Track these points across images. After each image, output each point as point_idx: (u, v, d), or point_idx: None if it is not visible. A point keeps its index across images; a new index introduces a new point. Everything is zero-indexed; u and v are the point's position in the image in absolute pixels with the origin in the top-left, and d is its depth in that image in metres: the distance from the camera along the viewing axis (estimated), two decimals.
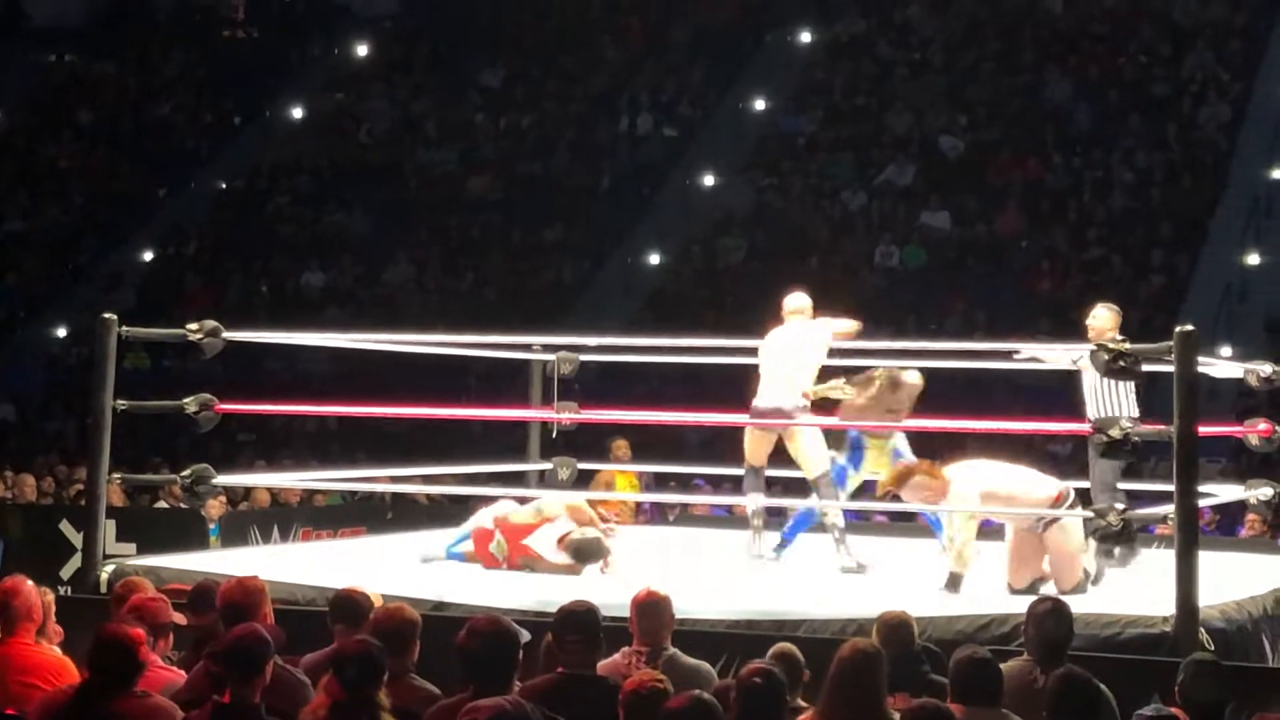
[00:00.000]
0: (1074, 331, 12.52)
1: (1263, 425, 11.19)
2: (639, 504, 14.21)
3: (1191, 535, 7.98)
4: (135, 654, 6.07)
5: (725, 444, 20.00)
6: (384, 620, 6.58)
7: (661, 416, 13.60)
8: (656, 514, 15.25)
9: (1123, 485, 10.43)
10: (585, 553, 9.76)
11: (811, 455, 10.40)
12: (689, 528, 13.88)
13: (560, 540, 9.78)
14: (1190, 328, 8.33)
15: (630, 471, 13.50)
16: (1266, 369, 11.03)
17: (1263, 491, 11.38)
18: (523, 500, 10.37)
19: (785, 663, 6.38)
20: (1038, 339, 10.54)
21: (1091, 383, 10.29)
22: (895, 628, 6.98)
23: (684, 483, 16.25)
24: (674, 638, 7.05)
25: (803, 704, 6.19)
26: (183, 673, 6.80)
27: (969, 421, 10.77)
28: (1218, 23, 27.55)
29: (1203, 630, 7.78)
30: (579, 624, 6.57)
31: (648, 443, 14.53)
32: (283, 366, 24.12)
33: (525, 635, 6.56)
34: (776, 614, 8.25)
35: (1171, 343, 8.14)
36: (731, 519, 14.82)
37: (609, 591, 7.93)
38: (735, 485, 16.64)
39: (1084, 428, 9.43)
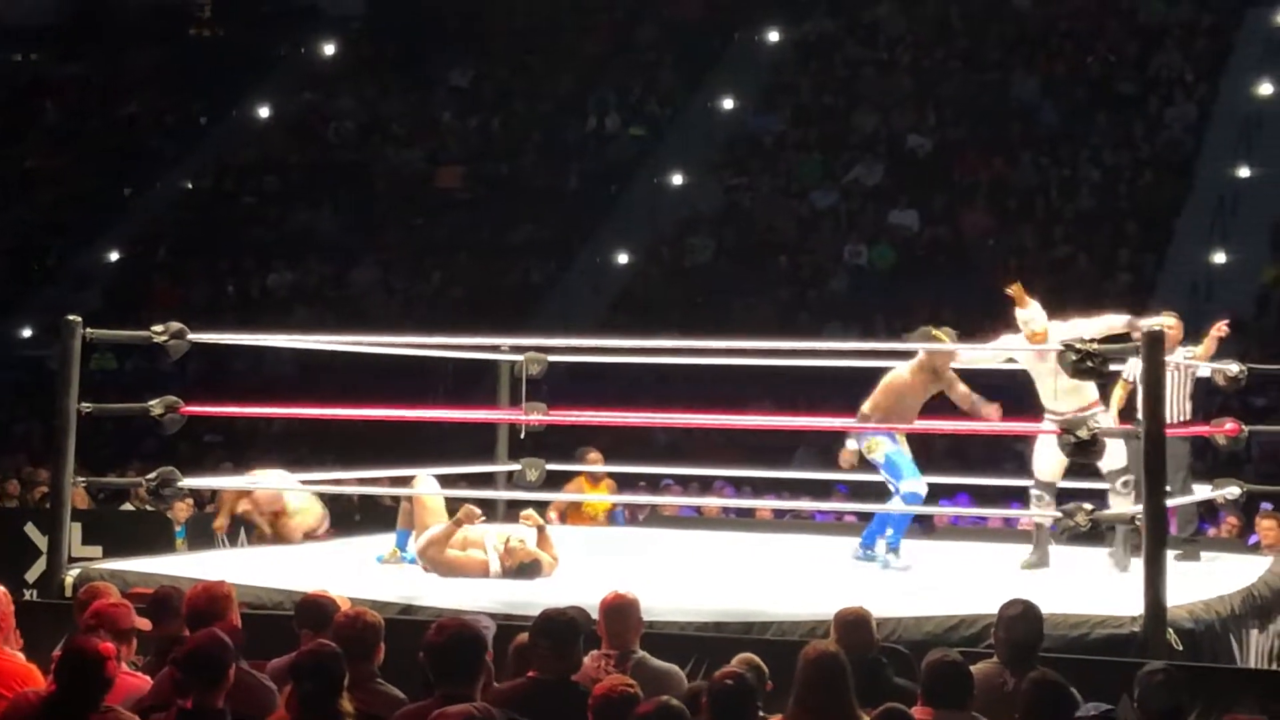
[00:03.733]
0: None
1: (1229, 424, 11.22)
2: (611, 509, 14.18)
3: (1160, 535, 7.98)
4: (103, 669, 5.99)
5: (693, 445, 20.06)
6: (346, 625, 6.51)
7: (631, 417, 13.58)
8: (629, 516, 15.24)
9: (1091, 485, 10.44)
10: (526, 572, 9.71)
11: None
12: (658, 529, 13.86)
13: (505, 572, 9.69)
14: (1158, 327, 8.33)
15: (603, 480, 13.47)
16: (1233, 368, 11.07)
17: (1230, 491, 11.43)
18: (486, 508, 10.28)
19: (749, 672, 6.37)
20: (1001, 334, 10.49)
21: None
22: (851, 626, 6.94)
23: (653, 484, 16.24)
24: (642, 640, 7.02)
25: (763, 716, 6.16)
26: (147, 679, 6.74)
27: (941, 422, 10.78)
28: (1184, 22, 27.65)
29: (1171, 631, 7.77)
30: (550, 630, 6.52)
31: (616, 443, 14.50)
32: (250, 367, 24.06)
33: (491, 627, 6.52)
34: (745, 615, 8.22)
35: (1138, 342, 8.14)
36: (700, 520, 14.83)
37: (579, 594, 7.90)
38: (703, 486, 16.68)
39: (1052, 428, 9.43)
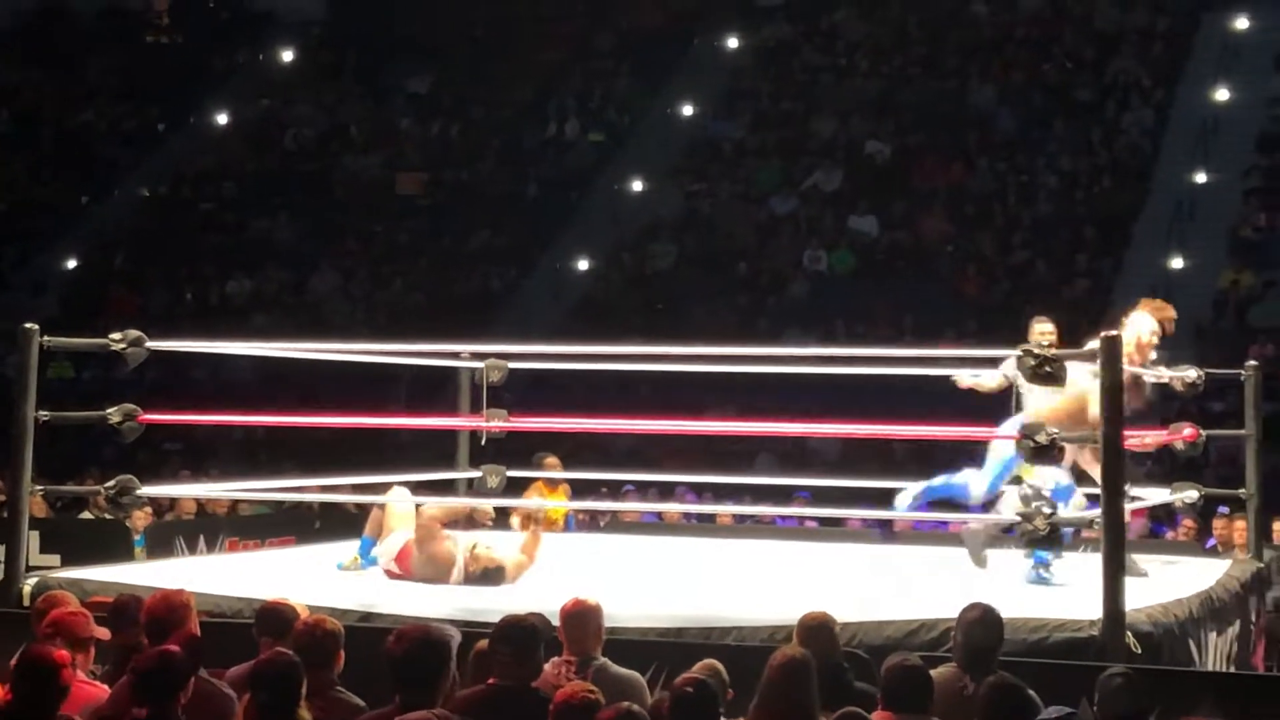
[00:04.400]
0: (1000, 335, 12.57)
1: (1188, 429, 11.27)
2: (566, 515, 14.14)
3: (1118, 539, 8.00)
4: (58, 677, 5.96)
5: (654, 451, 20.06)
6: (305, 633, 6.50)
7: (592, 424, 13.56)
8: (590, 523, 15.22)
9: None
10: (490, 578, 9.68)
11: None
12: (620, 535, 13.86)
13: (469, 579, 9.67)
14: (1115, 332, 8.36)
15: (560, 486, 13.44)
16: (1191, 373, 11.10)
17: (1188, 494, 11.48)
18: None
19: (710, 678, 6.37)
20: (964, 343, 10.56)
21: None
22: (815, 630, 6.94)
23: (614, 490, 16.23)
24: (603, 646, 7.01)
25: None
26: (106, 688, 6.71)
27: (901, 427, 10.78)
28: (1141, 28, 27.79)
29: (1130, 634, 7.80)
30: (509, 637, 6.52)
31: (577, 450, 14.50)
32: (209, 375, 23.97)
33: (457, 637, 6.51)
34: (706, 621, 8.22)
35: (1096, 347, 8.17)
36: (661, 525, 14.83)
37: (542, 600, 7.89)
38: (664, 492, 16.68)
39: (1011, 432, 9.44)
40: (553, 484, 13.37)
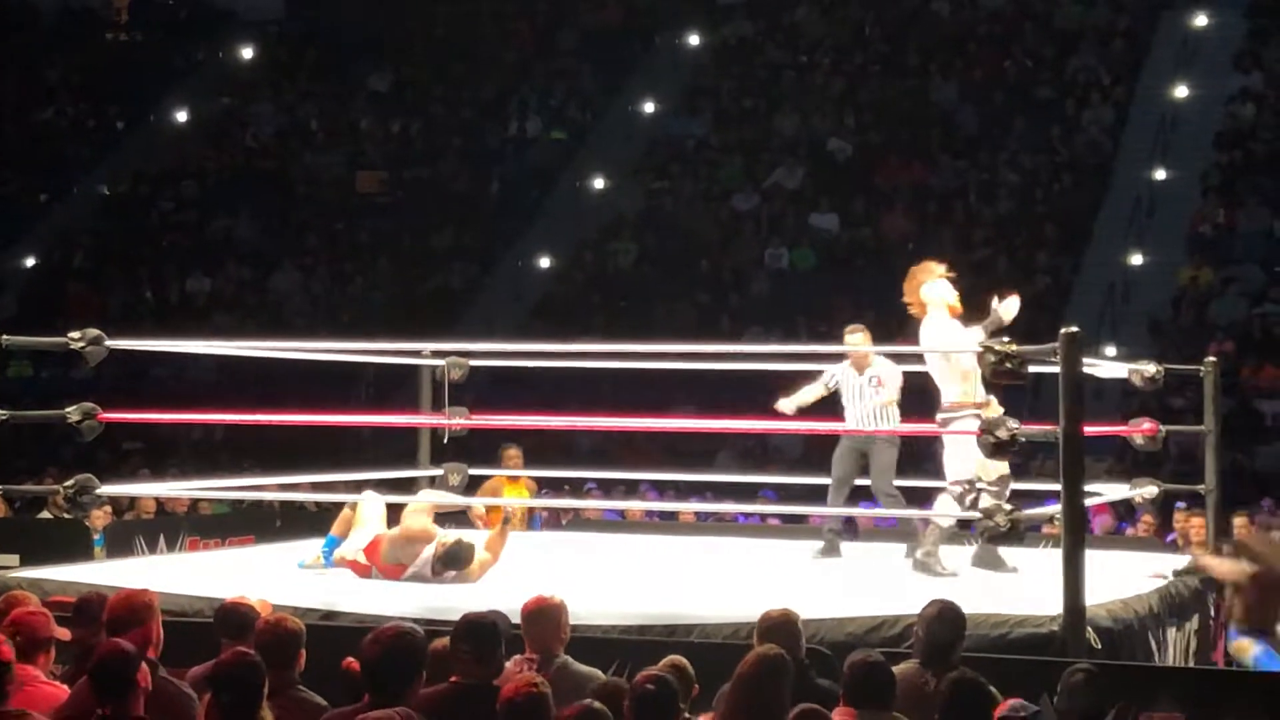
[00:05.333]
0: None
1: (1147, 424, 11.33)
2: (532, 512, 14.13)
3: (1078, 535, 8.04)
4: (6, 670, 5.93)
5: (616, 448, 20.06)
6: (265, 632, 6.47)
7: (554, 421, 13.56)
8: (553, 520, 15.20)
9: (1011, 485, 10.50)
10: (455, 560, 9.66)
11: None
12: (582, 532, 13.86)
13: (433, 570, 9.66)
14: (1075, 328, 8.39)
15: (521, 479, 13.42)
16: (1150, 369, 11.17)
17: (1148, 490, 11.53)
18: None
19: (676, 675, 6.37)
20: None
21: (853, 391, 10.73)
22: (777, 627, 6.93)
23: (576, 488, 16.23)
24: (566, 644, 7.01)
25: (689, 718, 6.17)
26: (66, 688, 6.67)
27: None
28: (1100, 25, 27.90)
29: (1090, 629, 7.84)
30: (470, 634, 6.50)
31: (539, 448, 14.48)
32: (169, 374, 23.88)
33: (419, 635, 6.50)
34: (668, 618, 8.23)
35: (1057, 344, 8.20)
36: (624, 523, 14.83)
37: (504, 598, 7.88)
38: (627, 490, 16.68)
39: (972, 428, 9.45)
40: (514, 478, 13.33)
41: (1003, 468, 9.70)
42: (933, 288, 10.15)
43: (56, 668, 7.07)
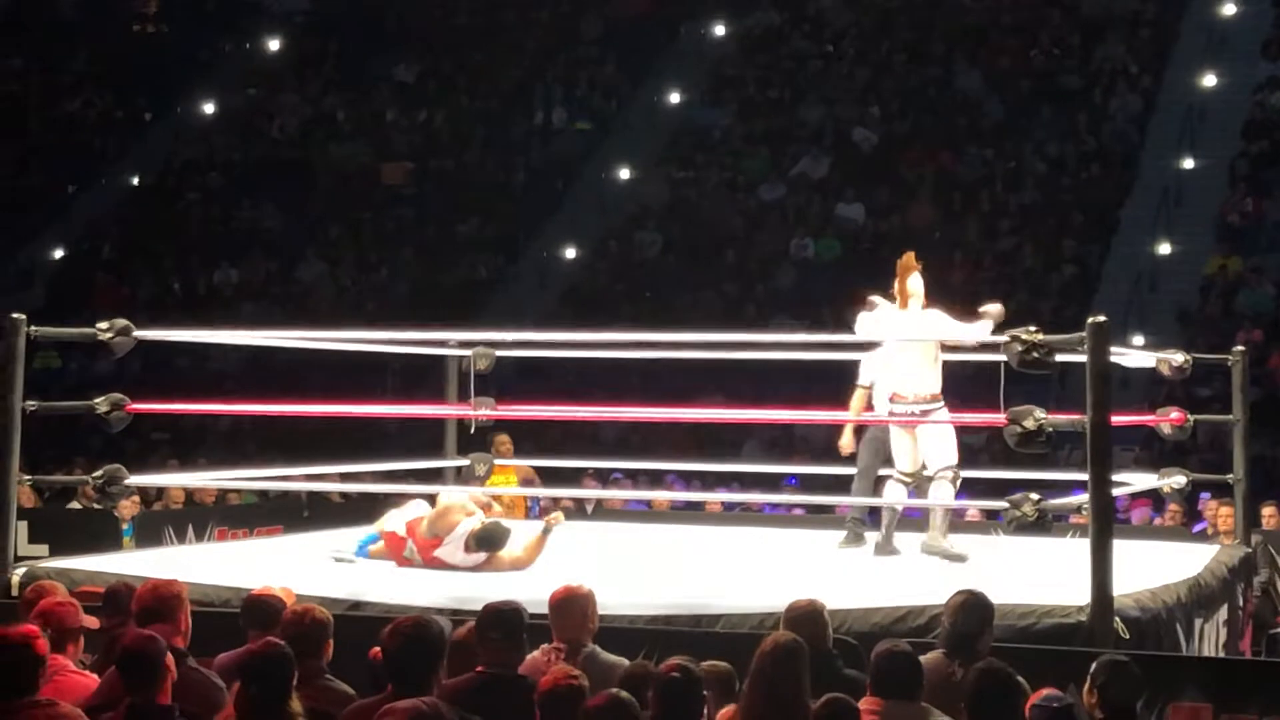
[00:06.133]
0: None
1: (1175, 414, 11.30)
2: (529, 500, 14.07)
3: (1106, 525, 8.01)
4: (33, 651, 5.94)
5: (641, 438, 20.06)
6: (293, 622, 6.49)
7: (579, 412, 13.57)
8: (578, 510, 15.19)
9: (1038, 475, 10.49)
10: (491, 540, 9.69)
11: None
12: (608, 522, 13.85)
13: (466, 546, 9.70)
14: (1102, 318, 8.36)
15: (510, 467, 13.38)
16: (1178, 358, 11.13)
17: (1176, 479, 11.50)
18: (433, 501, 10.29)
19: (720, 681, 6.37)
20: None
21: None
22: (803, 617, 6.94)
23: (602, 477, 16.24)
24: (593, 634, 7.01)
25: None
26: (96, 677, 6.70)
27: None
28: (1127, 14, 27.79)
29: (1118, 619, 7.81)
30: (500, 622, 6.51)
31: (565, 438, 14.51)
32: (196, 364, 23.95)
33: (447, 627, 6.51)
34: (695, 608, 8.22)
35: (1084, 333, 8.18)
36: (649, 513, 14.83)
37: (530, 588, 7.89)
38: (653, 480, 16.69)
39: (998, 419, 9.44)
40: (503, 466, 13.27)
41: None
42: (917, 280, 10.32)
43: (86, 656, 7.10)
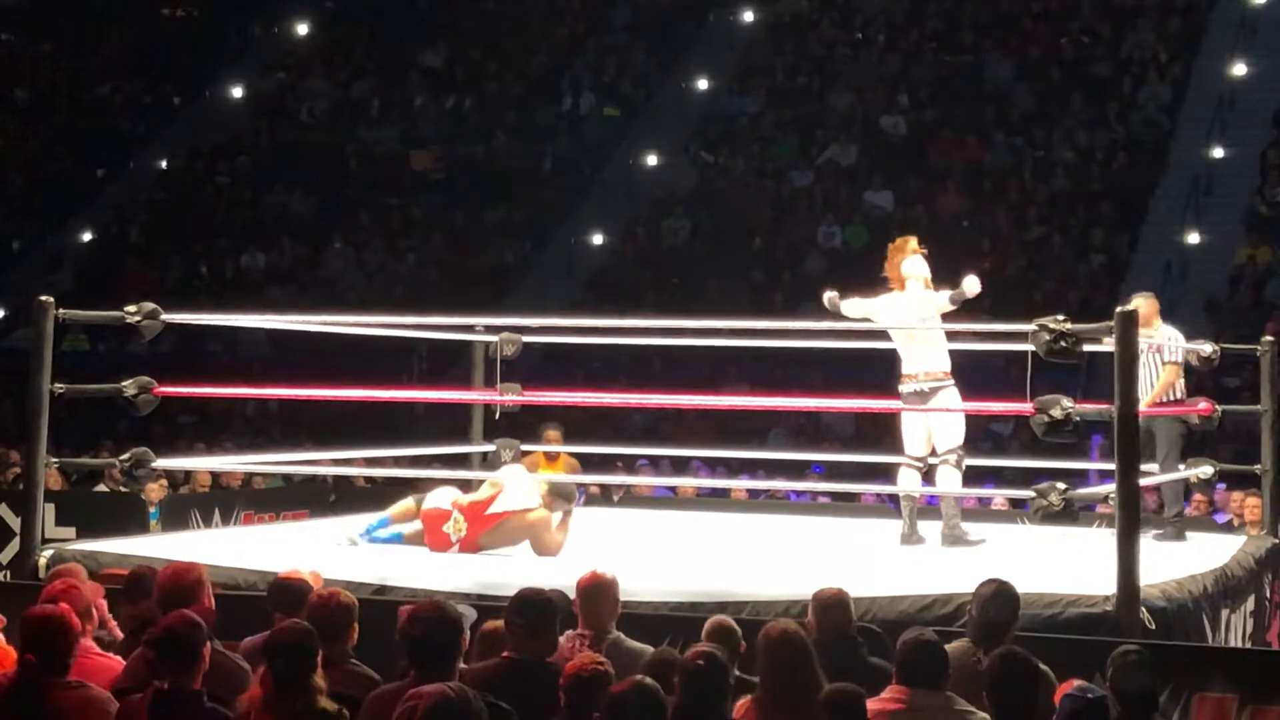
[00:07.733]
0: (1016, 310, 12.56)
1: (1203, 404, 11.26)
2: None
3: (1133, 515, 7.98)
4: (68, 628, 5.98)
5: (668, 425, 20.07)
6: (318, 606, 6.50)
7: (605, 398, 13.57)
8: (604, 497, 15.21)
9: (1064, 465, 10.48)
10: (565, 494, 9.86)
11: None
12: (634, 509, 13.86)
13: (532, 497, 9.78)
14: (1131, 307, 8.34)
15: (560, 458, 13.41)
16: (1207, 348, 11.10)
17: (1203, 470, 11.45)
18: (464, 487, 10.31)
19: (722, 635, 6.39)
20: (978, 319, 10.64)
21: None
22: (830, 606, 6.95)
23: (628, 464, 16.24)
24: (618, 620, 7.02)
25: (740, 674, 6.18)
26: (121, 660, 6.72)
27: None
28: (1158, 2, 27.69)
29: (1144, 610, 7.79)
30: (524, 609, 6.53)
31: (591, 424, 14.50)
32: (223, 348, 24.00)
33: (472, 615, 6.52)
34: (720, 595, 8.22)
35: (1112, 322, 8.15)
36: (675, 500, 14.84)
37: (557, 574, 7.90)
38: (678, 466, 16.68)
39: (1025, 408, 9.42)
40: (552, 456, 13.32)
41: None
42: (912, 263, 10.48)
43: (102, 633, 7.13)
